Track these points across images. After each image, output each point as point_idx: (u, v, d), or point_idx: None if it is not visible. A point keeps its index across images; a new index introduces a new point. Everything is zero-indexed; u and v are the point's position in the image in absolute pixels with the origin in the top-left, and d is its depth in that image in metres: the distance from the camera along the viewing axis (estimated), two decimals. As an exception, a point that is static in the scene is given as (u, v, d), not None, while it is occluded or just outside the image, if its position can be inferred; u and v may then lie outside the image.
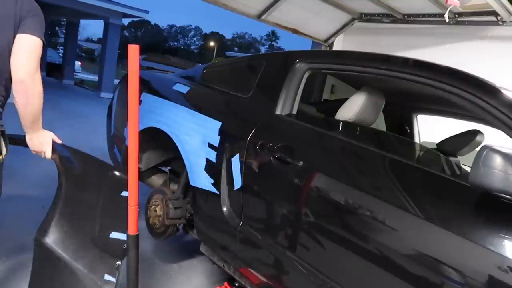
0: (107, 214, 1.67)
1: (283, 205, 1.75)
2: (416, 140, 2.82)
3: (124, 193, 1.76)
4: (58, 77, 14.62)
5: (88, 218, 1.62)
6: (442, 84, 1.46)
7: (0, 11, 1.41)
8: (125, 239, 1.56)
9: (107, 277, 1.46)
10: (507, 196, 1.16)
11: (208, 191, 2.02)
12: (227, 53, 36.82)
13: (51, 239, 1.43)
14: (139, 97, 1.54)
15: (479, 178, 1.15)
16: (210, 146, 2.03)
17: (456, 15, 3.62)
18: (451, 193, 1.33)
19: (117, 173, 1.88)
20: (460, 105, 1.45)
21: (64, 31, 23.95)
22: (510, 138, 1.28)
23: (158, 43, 61.88)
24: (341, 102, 2.04)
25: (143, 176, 2.60)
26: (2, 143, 1.53)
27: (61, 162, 1.70)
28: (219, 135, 2.01)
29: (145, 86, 2.59)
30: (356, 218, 1.47)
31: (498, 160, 1.11)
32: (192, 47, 73.08)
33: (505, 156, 1.12)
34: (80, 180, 1.74)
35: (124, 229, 1.56)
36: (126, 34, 60.98)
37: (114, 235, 1.61)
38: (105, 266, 1.49)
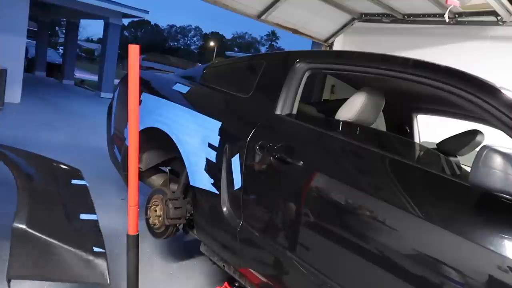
0: (67, 199, 1.73)
1: (283, 205, 1.75)
2: (416, 140, 2.82)
3: (74, 181, 1.86)
4: (58, 77, 14.61)
5: (54, 203, 1.67)
6: (442, 84, 1.46)
7: None
8: (94, 218, 1.63)
9: (96, 249, 1.48)
10: (507, 196, 1.16)
11: (208, 191, 2.02)
12: (227, 53, 36.77)
13: (31, 225, 1.44)
14: (139, 97, 1.54)
15: (479, 178, 1.15)
16: (210, 146, 2.03)
17: (456, 15, 3.63)
18: (451, 193, 1.32)
19: (61, 165, 1.94)
20: (460, 105, 1.45)
21: (64, 31, 23.94)
22: (510, 138, 1.28)
23: (158, 43, 61.83)
24: (341, 102, 2.04)
25: (143, 176, 2.60)
26: None
27: (5, 157, 1.74)
28: (219, 135, 2.01)
29: (145, 86, 2.59)
30: (356, 218, 1.47)
31: (498, 160, 1.12)
32: (192, 47, 73.07)
33: (505, 156, 1.12)
34: (30, 170, 1.79)
35: (86, 211, 1.65)
36: (126, 34, 60.98)
37: (84, 216, 1.67)
38: (90, 241, 1.52)
